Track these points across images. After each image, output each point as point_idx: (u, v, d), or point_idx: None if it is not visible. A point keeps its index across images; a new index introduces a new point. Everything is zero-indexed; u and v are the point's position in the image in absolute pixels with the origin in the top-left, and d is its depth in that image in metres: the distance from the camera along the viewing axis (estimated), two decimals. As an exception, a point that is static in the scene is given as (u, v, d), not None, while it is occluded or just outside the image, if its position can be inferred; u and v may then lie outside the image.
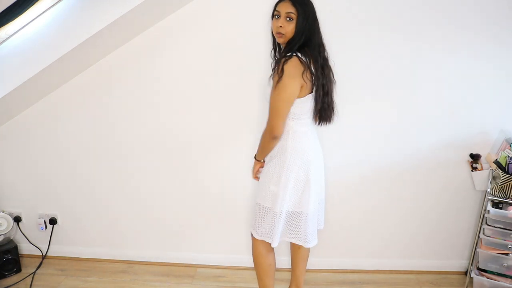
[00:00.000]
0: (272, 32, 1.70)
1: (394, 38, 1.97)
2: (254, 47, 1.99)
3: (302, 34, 1.60)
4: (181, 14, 1.98)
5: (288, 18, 1.58)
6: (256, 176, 1.88)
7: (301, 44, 1.61)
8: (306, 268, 2.02)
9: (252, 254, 1.89)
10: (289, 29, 1.59)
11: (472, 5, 1.90)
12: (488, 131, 2.06)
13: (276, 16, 1.62)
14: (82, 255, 2.48)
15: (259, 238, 1.81)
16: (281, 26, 1.59)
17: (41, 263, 2.42)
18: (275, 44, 1.76)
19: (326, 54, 1.70)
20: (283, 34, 1.60)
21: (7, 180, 2.38)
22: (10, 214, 2.33)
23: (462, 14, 1.92)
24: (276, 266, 1.94)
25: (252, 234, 1.85)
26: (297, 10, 1.58)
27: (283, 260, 2.29)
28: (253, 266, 2.02)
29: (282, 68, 1.55)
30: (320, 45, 1.66)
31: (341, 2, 1.94)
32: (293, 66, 1.56)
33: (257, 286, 1.97)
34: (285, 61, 1.56)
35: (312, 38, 1.62)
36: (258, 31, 1.93)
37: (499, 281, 1.89)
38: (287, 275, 2.29)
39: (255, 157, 1.82)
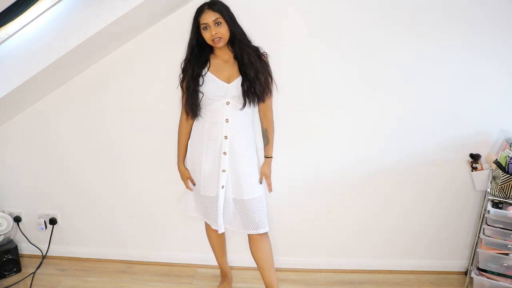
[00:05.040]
0: (192, 44, 1.80)
1: (393, 37, 1.97)
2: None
3: (239, 29, 1.79)
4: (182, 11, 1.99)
5: (216, 24, 1.73)
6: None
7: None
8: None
9: (269, 249, 1.95)
10: (224, 31, 1.74)
11: (472, 4, 1.90)
12: (488, 131, 2.06)
13: (205, 28, 1.74)
14: (82, 255, 2.48)
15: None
16: (216, 33, 1.73)
17: (41, 263, 2.42)
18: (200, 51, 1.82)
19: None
20: (221, 38, 1.74)
21: (7, 180, 2.38)
22: (10, 214, 2.33)
23: (462, 14, 1.92)
24: (277, 266, 1.98)
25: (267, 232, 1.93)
26: (221, 13, 1.73)
27: (282, 260, 2.30)
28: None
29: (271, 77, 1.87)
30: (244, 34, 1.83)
31: (341, 2, 1.94)
32: None
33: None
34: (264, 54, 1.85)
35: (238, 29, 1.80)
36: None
37: (499, 281, 1.89)
38: (289, 275, 2.29)
39: (270, 156, 2.00)
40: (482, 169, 2.06)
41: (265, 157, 1.98)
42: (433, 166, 2.14)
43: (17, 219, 2.40)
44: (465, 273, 2.27)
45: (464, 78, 2.00)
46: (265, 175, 1.96)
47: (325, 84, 2.05)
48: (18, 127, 2.27)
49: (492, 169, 2.00)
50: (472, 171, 2.08)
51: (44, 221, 2.42)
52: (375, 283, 2.24)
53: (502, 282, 1.88)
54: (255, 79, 1.78)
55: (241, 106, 1.80)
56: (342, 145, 2.15)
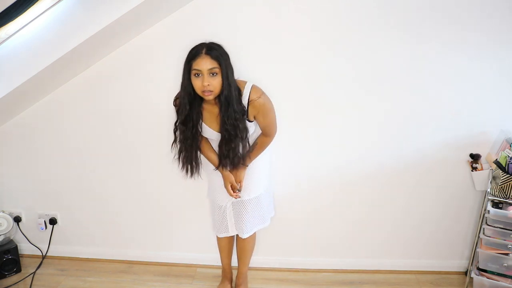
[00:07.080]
0: (188, 92, 1.58)
1: (394, 37, 1.97)
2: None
3: (231, 84, 1.56)
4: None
5: (211, 74, 1.51)
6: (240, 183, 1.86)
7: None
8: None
9: (252, 243, 2.06)
10: (217, 83, 1.52)
11: (472, 4, 1.90)
12: (488, 131, 2.06)
13: (196, 75, 1.52)
14: (82, 255, 2.48)
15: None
16: (208, 84, 1.51)
17: (41, 263, 2.42)
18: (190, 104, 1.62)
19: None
20: (212, 91, 1.53)
21: (7, 180, 2.38)
22: (10, 214, 2.33)
23: (462, 14, 1.92)
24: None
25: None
26: (219, 63, 1.51)
27: (282, 260, 2.30)
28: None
29: (263, 102, 1.66)
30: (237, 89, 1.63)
31: (341, 2, 1.94)
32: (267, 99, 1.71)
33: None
34: (260, 97, 1.64)
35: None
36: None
37: (499, 281, 1.89)
38: (289, 275, 2.29)
39: (245, 164, 1.79)
40: (482, 169, 2.06)
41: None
42: (433, 166, 2.14)
43: (17, 219, 2.41)
44: (465, 273, 2.27)
45: (464, 78, 2.00)
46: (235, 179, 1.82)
47: (324, 84, 2.05)
48: (18, 127, 2.27)
49: (492, 169, 2.00)
50: (472, 171, 2.08)
51: (44, 221, 2.42)
52: (375, 283, 2.24)
53: (502, 282, 1.89)
54: (234, 146, 1.65)
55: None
56: (342, 145, 2.14)
